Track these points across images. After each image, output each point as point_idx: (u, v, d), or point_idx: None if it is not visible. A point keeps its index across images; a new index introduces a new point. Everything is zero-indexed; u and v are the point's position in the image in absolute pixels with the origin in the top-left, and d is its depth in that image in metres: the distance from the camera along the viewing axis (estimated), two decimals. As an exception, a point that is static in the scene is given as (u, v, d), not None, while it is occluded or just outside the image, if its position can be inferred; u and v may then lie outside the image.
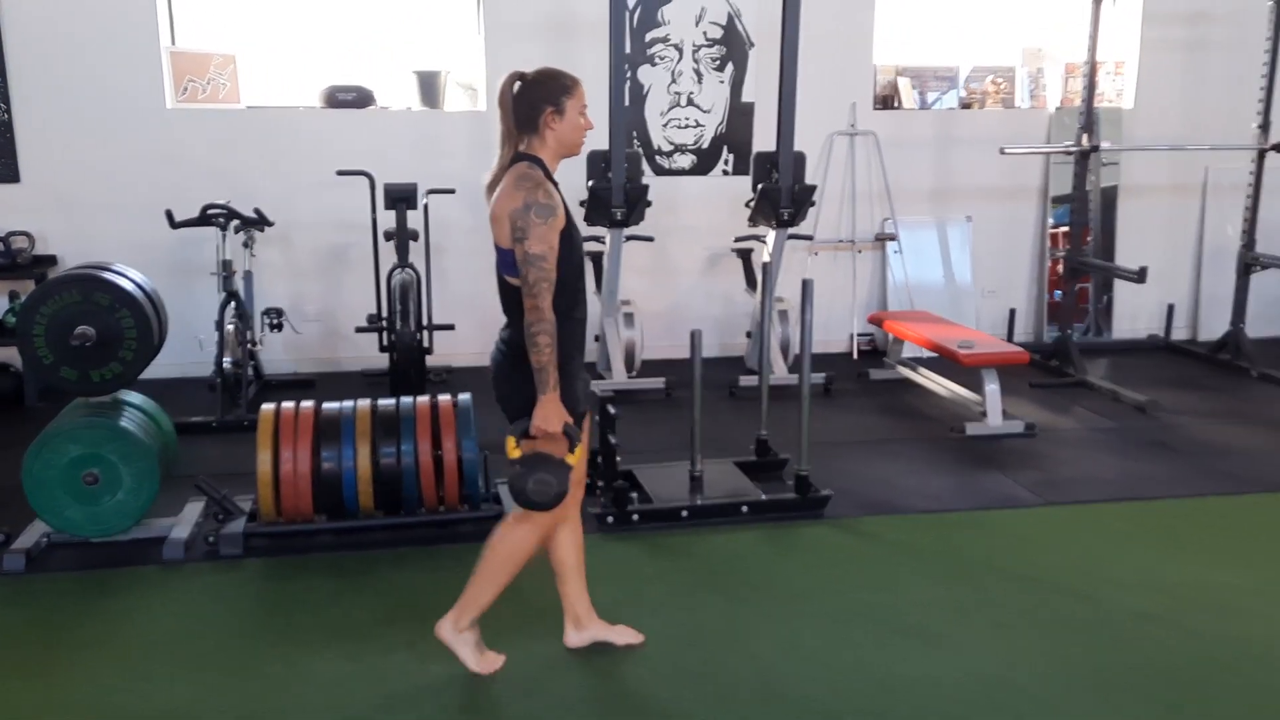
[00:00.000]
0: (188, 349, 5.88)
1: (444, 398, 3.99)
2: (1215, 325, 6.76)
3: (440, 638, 3.00)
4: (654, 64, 6.25)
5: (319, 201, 5.99)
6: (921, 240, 6.66)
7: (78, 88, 5.70)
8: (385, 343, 5.52)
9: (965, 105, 6.86)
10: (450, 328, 5.76)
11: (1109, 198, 6.87)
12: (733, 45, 6.29)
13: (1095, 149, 6.13)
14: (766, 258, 5.66)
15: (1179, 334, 6.97)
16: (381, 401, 3.96)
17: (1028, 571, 3.67)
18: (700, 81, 6.30)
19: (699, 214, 6.40)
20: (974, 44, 7.00)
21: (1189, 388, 5.93)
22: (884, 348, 6.41)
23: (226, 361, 5.26)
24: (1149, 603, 3.43)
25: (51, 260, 5.79)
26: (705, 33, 6.25)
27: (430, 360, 5.62)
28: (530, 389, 2.67)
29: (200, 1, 6.13)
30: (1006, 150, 6.05)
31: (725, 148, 6.39)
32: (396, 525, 3.93)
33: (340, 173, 5.65)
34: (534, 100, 2.67)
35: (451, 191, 5.79)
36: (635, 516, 4.00)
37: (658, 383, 5.71)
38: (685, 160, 6.38)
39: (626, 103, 5.75)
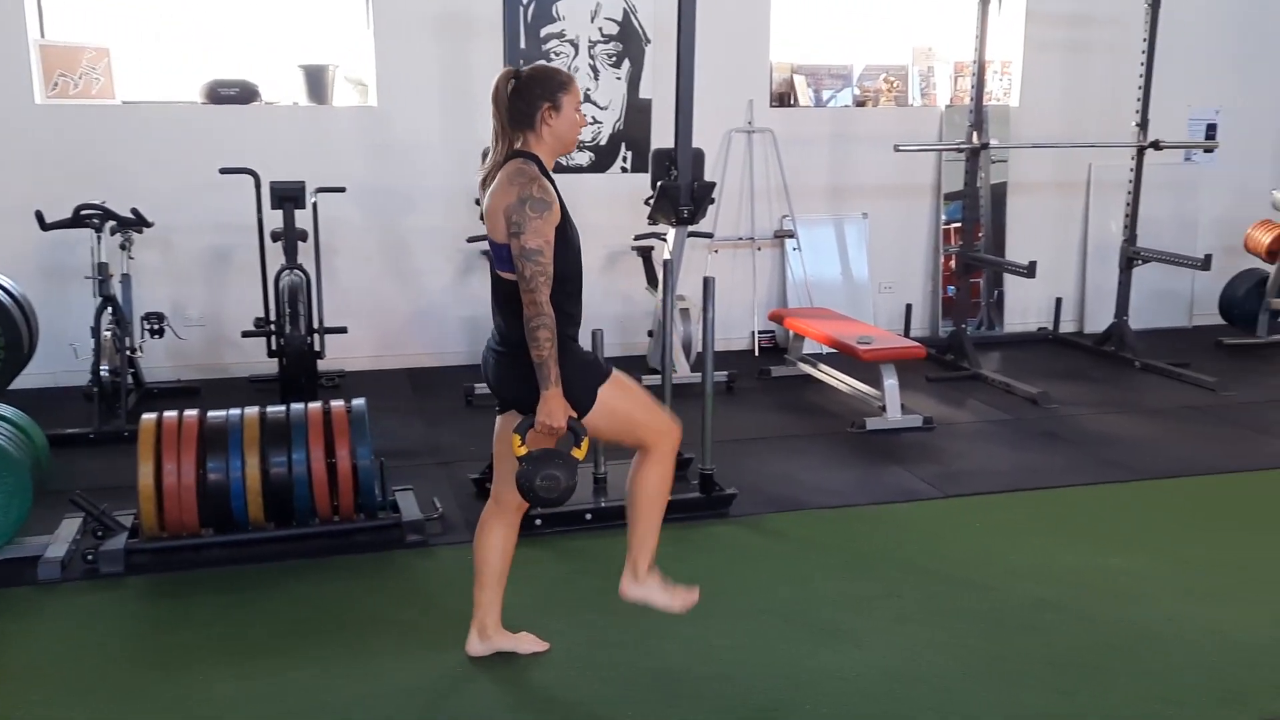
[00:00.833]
0: (62, 357, 5.60)
1: (337, 403, 3.84)
2: (1100, 318, 6.98)
3: (630, 597, 2.95)
4: (550, 60, 6.16)
5: (201, 201, 5.75)
6: (820, 237, 6.72)
7: (-64, 81, 5.37)
8: (274, 347, 5.33)
9: (860, 103, 6.95)
10: (343, 331, 5.59)
11: (999, 194, 7.04)
12: (629, 42, 6.25)
13: (985, 146, 6.26)
14: (667, 256, 5.62)
15: (1067, 327, 7.18)
16: (270, 409, 3.81)
17: (929, 563, 3.70)
18: (597, 78, 6.25)
19: (597, 212, 6.32)
20: (867, 43, 7.09)
21: (1077, 379, 6.10)
22: (785, 344, 6.45)
23: (103, 369, 5.01)
24: (1045, 590, 3.49)
25: (-91, 265, 5.44)
26: (601, 29, 6.19)
27: (322, 365, 5.44)
28: (534, 385, 2.64)
29: (70, -9, 5.84)
30: (900, 148, 6.13)
31: (623, 145, 6.35)
32: (289, 537, 3.77)
33: (224, 171, 5.42)
34: (531, 97, 2.66)
35: (342, 190, 5.62)
36: (538, 521, 3.92)
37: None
38: (583, 158, 6.31)
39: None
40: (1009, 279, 7.07)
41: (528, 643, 3.10)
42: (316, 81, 6.04)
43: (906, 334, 6.67)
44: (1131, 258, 6.48)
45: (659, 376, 5.66)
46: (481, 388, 5.50)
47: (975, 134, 6.19)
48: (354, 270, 6.02)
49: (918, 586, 3.52)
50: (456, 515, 4.06)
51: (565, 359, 2.66)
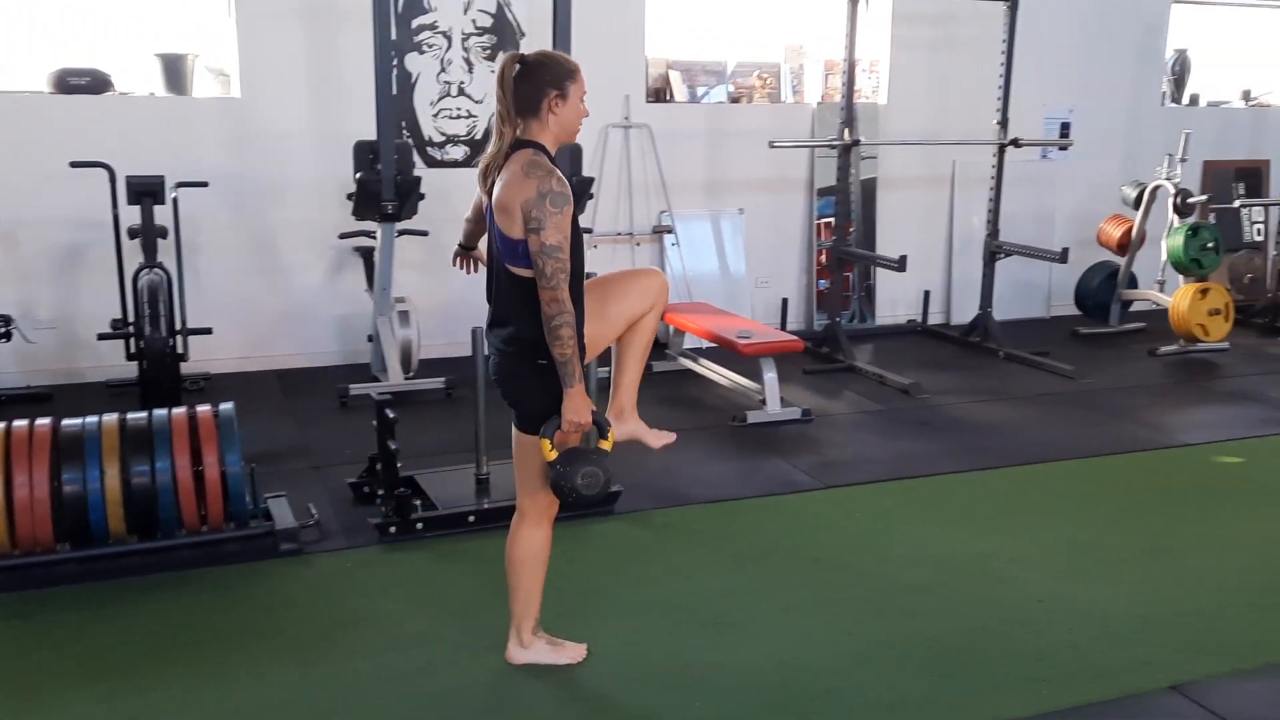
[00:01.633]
0: (-104, 363, 5.21)
1: (203, 408, 3.67)
2: (966, 309, 7.21)
3: (517, 662, 2.94)
4: (422, 52, 6.03)
5: (51, 196, 5.41)
6: (697, 232, 6.76)
7: None
8: (133, 350, 5.06)
9: (734, 100, 7.01)
10: (207, 331, 5.35)
11: (869, 189, 7.20)
12: (503, 34, 6.16)
13: (856, 143, 6.39)
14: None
15: (935, 318, 7.40)
16: (131, 415, 3.60)
17: (812, 553, 3.76)
18: (471, 71, 6.14)
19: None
20: (740, 40, 7.16)
21: (946, 369, 6.29)
22: (666, 340, 6.46)
23: (-56, 376, 4.68)
24: (922, 576, 3.58)
25: None
26: (474, 20, 6.08)
27: (185, 368, 5.20)
28: (546, 385, 2.62)
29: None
30: (775, 144, 6.21)
31: (499, 139, 6.24)
32: (153, 550, 3.58)
33: (74, 164, 5.11)
34: (538, 84, 2.59)
35: (204, 184, 5.38)
36: (420, 525, 3.83)
37: (437, 383, 5.52)
38: (458, 152, 6.20)
39: (394, 91, 5.50)
40: (880, 272, 7.25)
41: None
42: (175, 71, 5.77)
43: (783, 327, 6.77)
44: (995, 251, 6.71)
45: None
46: (357, 388, 5.35)
47: (847, 131, 6.31)
48: (218, 268, 5.78)
49: (802, 576, 3.57)
50: (333, 521, 3.93)
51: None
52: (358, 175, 5.13)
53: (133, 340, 5.06)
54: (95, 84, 5.56)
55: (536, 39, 6.08)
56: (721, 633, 3.19)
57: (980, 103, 6.82)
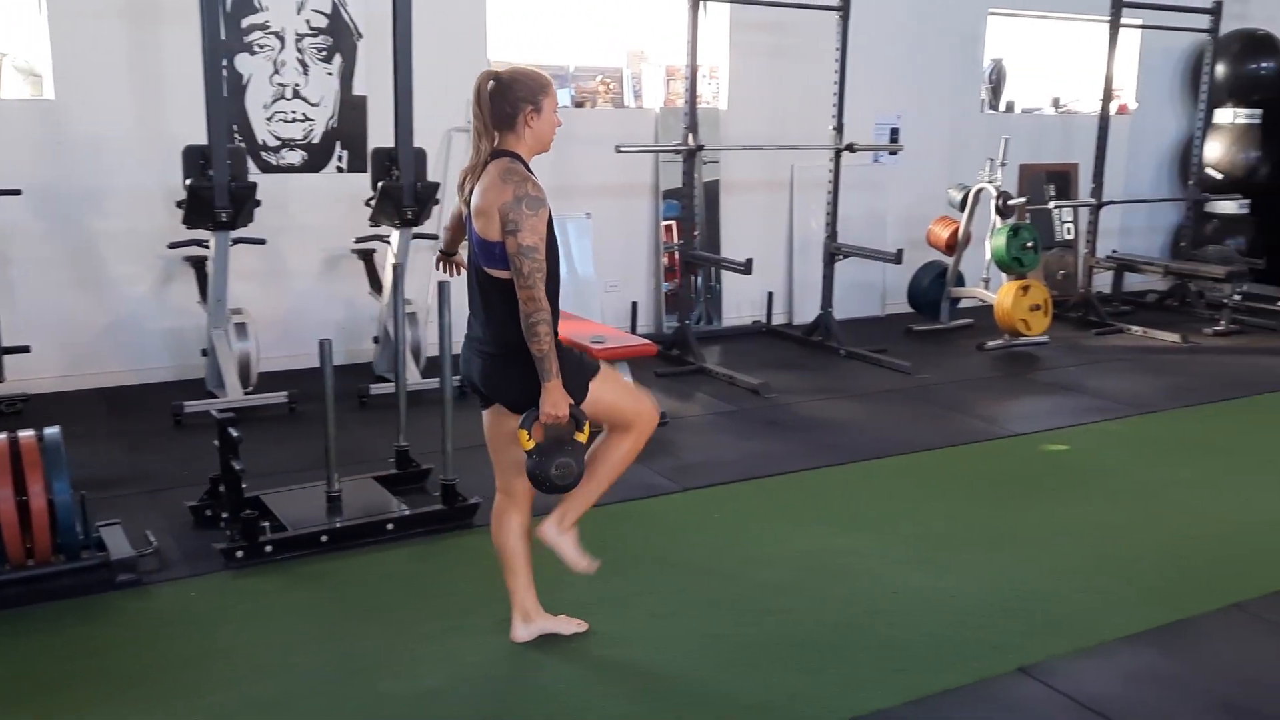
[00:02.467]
0: None
1: (25, 433, 3.41)
2: (808, 309, 7.42)
3: (544, 539, 3.06)
4: (253, 52, 5.78)
5: None
6: (544, 237, 6.71)
7: None
8: (-61, 371, 4.67)
9: (578, 104, 7.01)
10: (24, 350, 4.99)
11: (712, 193, 7.32)
12: (339, 35, 5.97)
13: (701, 148, 6.48)
14: (393, 259, 5.43)
15: (778, 319, 7.59)
16: (-58, 444, 3.31)
17: (675, 557, 3.78)
18: (306, 73, 5.92)
19: (314, 213, 6.02)
20: (581, 44, 7.17)
21: (792, 368, 6.45)
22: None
23: None
24: (783, 574, 3.65)
25: None
26: (309, 21, 5.87)
27: (0, 389, 4.83)
28: (530, 379, 2.74)
29: None
30: (622, 149, 6.23)
31: (338, 143, 6.05)
32: (-28, 589, 3.30)
33: None
34: (514, 99, 2.75)
35: (16, 193, 5.01)
36: (269, 547, 3.66)
37: (279, 397, 5.30)
38: (295, 156, 5.97)
39: (224, 94, 5.25)
40: (725, 275, 7.37)
41: (569, 624, 3.15)
42: (-23, 69, 5.36)
43: (633, 331, 6.80)
44: (834, 253, 6.93)
45: (387, 385, 5.49)
46: (193, 405, 5.09)
47: (691, 136, 6.39)
48: (34, 282, 5.39)
49: (667, 581, 3.58)
50: (173, 548, 3.72)
51: (560, 353, 2.76)
52: (188, 182, 4.88)
53: (-63, 361, 4.67)
54: (-115, 83, 5.11)
55: (375, 41, 5.92)
56: (586, 642, 3.16)
57: (816, 109, 7.02)
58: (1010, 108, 8.85)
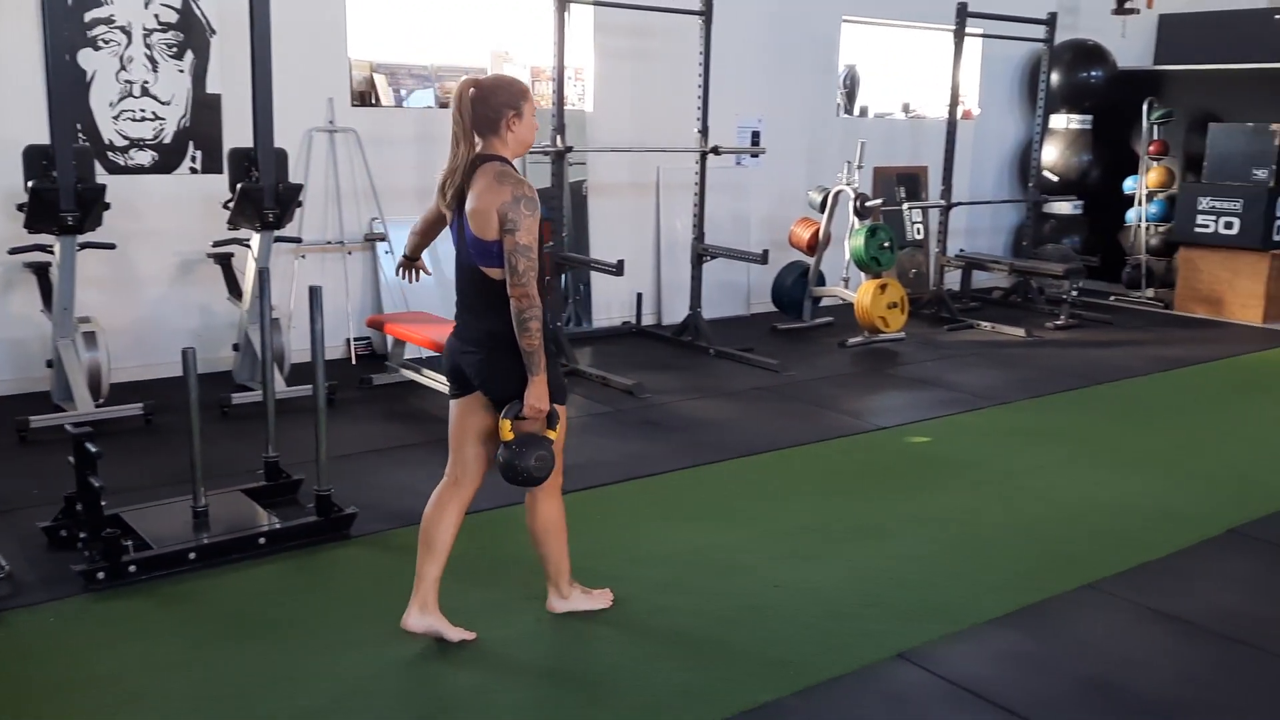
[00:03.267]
0: None
1: None
2: (676, 310, 7.51)
3: (560, 611, 3.29)
4: (97, 48, 5.48)
5: None
6: (410, 240, 6.59)
7: None
8: None
9: (443, 104, 6.91)
10: None
11: (580, 195, 7.33)
12: (191, 31, 5.72)
13: (569, 149, 6.48)
14: (255, 262, 5.24)
15: (648, 320, 7.65)
16: None
17: (558, 561, 3.77)
18: (156, 70, 5.66)
19: (166, 217, 5.76)
20: (445, 43, 7.07)
21: (664, 369, 6.52)
22: (384, 351, 6.27)
23: None
24: (666, 573, 3.69)
25: None
26: (158, 16, 5.61)
27: None
28: (521, 374, 2.87)
29: None
30: (488, 150, 6.17)
31: (191, 143, 5.81)
32: None
33: None
34: (497, 104, 2.88)
35: None
36: (133, 568, 3.48)
37: (135, 409, 5.04)
38: (145, 157, 5.70)
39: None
40: (594, 276, 7.39)
41: (457, 632, 3.15)
42: None
43: (503, 334, 6.75)
44: (701, 254, 7.03)
45: (248, 394, 5.30)
46: (38, 420, 4.80)
47: (559, 138, 6.38)
48: None
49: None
50: (27, 572, 3.50)
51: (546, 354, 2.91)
52: (30, 184, 4.60)
53: None
54: None
55: (229, 37, 5.71)
56: (475, 652, 3.13)
57: (680, 112, 7.12)
58: (864, 112, 9.16)
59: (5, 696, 2.83)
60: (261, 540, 3.74)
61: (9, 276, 5.38)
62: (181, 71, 5.73)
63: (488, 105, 2.87)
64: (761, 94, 8.03)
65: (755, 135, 8.05)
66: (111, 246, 5.13)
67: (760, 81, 8.00)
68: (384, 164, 6.41)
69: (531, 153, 6.72)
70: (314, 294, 3.72)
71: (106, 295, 5.55)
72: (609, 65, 7.34)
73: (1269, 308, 8.44)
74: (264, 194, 5.09)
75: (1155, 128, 8.99)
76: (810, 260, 7.68)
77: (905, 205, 8.59)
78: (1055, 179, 9.62)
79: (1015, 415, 5.79)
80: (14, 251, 5.03)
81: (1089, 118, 9.63)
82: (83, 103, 5.45)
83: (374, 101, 6.60)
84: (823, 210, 7.60)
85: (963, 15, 7.97)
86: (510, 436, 2.92)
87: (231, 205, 5.18)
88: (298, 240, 5.83)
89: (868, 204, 7.43)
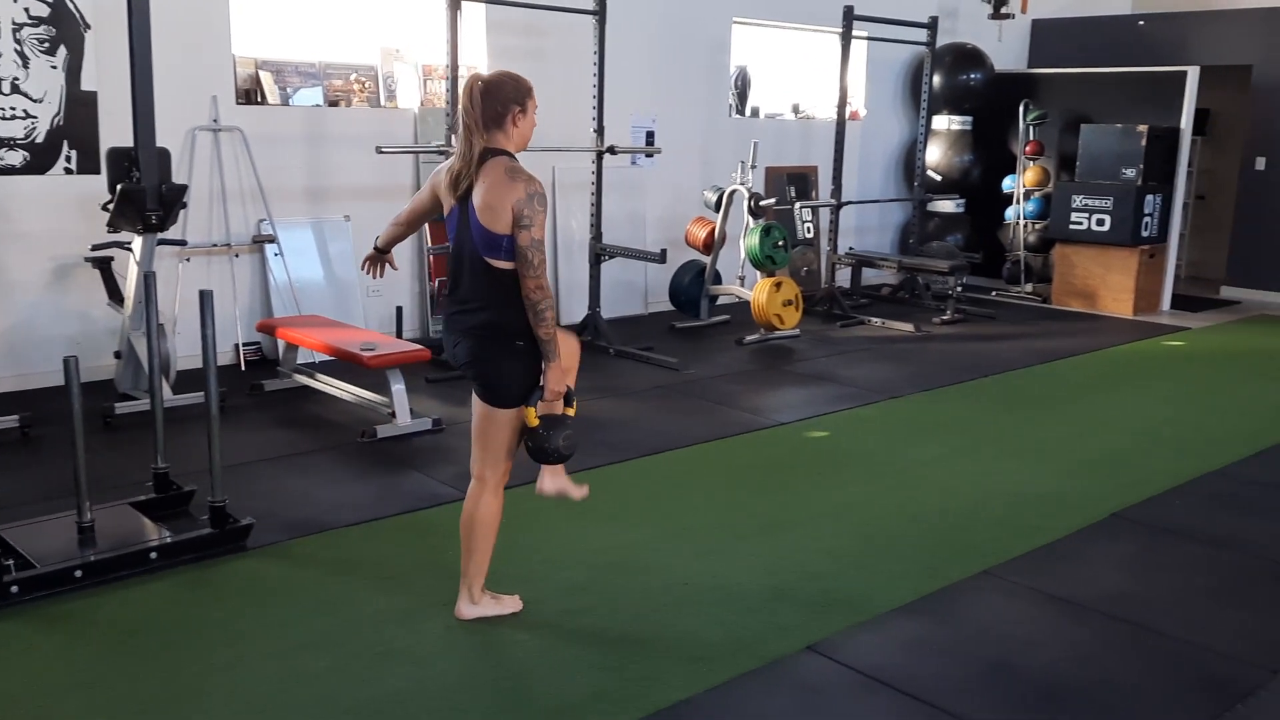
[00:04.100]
0: None
1: None
2: (575, 309, 7.49)
3: (467, 617, 3.25)
4: (-40, 41, 5.20)
5: None
6: (301, 241, 6.43)
7: None
8: None
9: (332, 103, 6.75)
10: None
11: (474, 195, 7.23)
12: (64, 26, 5.47)
13: (463, 149, 6.39)
14: (138, 266, 5.04)
15: (545, 320, 7.59)
16: None
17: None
18: (26, 66, 5.39)
19: (38, 219, 5.49)
20: (332, 40, 6.90)
21: (563, 368, 6.48)
22: (275, 356, 6.09)
23: None
24: (579, 575, 3.68)
25: None
26: (28, 9, 5.34)
27: None
28: (526, 364, 3.02)
29: None
30: (383, 149, 6.06)
31: (66, 143, 5.55)
32: None
33: None
34: (504, 100, 2.97)
35: None
36: (14, 588, 3.31)
37: (9, 422, 4.80)
38: (15, 157, 5.42)
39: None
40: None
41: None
42: None
43: (399, 336, 6.63)
44: (600, 254, 7.03)
45: (136, 402, 5.09)
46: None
47: (454, 137, 6.29)
48: None
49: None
50: (-103, 598, 3.29)
51: (531, 346, 3.01)
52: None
53: None
54: None
55: (105, 32, 5.48)
56: (385, 661, 3.07)
57: (574, 111, 7.10)
58: (755, 113, 9.28)
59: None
60: (153, 555, 3.59)
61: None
62: (54, 68, 5.47)
63: (495, 100, 2.96)
64: (655, 94, 8.07)
65: (650, 135, 8.09)
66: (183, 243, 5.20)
67: (653, 81, 8.04)
68: (271, 164, 6.23)
69: (424, 151, 6.68)
70: (204, 298, 3.58)
71: (-25, 302, 5.27)
72: (503, 64, 7.17)
73: (1139, 301, 8.87)
74: (146, 195, 4.89)
75: (1031, 128, 9.35)
76: (707, 259, 7.76)
77: (796, 204, 8.74)
78: (939, 178, 9.91)
79: (909, 408, 5.94)
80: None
81: (969, 119, 9.95)
82: (-55, 99, 5.17)
83: (260, 99, 6.41)
84: (718, 210, 7.68)
85: (849, 18, 8.14)
86: (536, 422, 3.08)
87: (111, 207, 4.96)
88: (182, 243, 5.63)
89: (762, 203, 7.53)
